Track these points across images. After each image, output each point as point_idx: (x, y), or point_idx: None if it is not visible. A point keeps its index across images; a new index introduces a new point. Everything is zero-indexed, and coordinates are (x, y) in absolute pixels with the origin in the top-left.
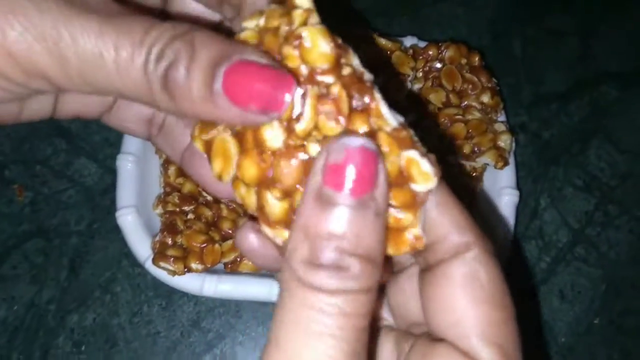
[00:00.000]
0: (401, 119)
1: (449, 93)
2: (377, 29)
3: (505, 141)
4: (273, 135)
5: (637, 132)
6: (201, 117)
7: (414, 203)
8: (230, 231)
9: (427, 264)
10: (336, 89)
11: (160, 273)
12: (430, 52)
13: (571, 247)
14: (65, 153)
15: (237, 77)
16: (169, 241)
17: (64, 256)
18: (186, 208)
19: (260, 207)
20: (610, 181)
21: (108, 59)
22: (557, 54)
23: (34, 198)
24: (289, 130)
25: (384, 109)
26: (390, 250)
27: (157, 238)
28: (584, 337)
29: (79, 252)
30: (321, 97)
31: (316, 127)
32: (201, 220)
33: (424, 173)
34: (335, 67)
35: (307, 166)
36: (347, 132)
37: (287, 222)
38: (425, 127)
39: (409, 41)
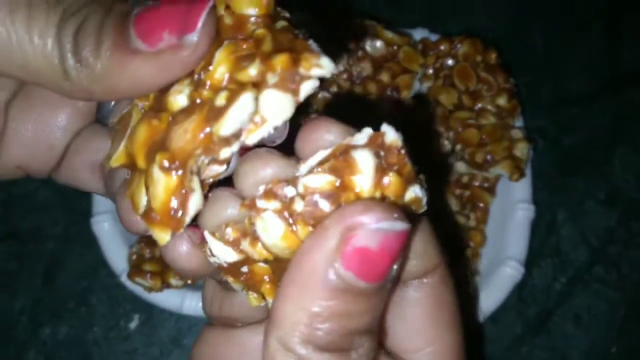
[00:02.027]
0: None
1: (461, 94)
2: (385, 19)
3: (522, 150)
4: (177, 90)
5: None
6: (114, 81)
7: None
8: None
9: None
10: (260, 31)
11: (139, 288)
12: (442, 47)
13: (589, 266)
14: None
15: (148, 16)
16: (147, 253)
17: (39, 263)
18: None
19: (148, 198)
20: (635, 194)
21: (20, 24)
22: (583, 50)
23: (6, 198)
24: (197, 83)
25: (324, 61)
26: None
27: (134, 249)
28: None
29: (54, 258)
30: (240, 42)
31: (231, 79)
32: None
33: (415, 199)
34: (267, 16)
35: (208, 119)
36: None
37: (167, 215)
38: (433, 131)
39: (419, 33)
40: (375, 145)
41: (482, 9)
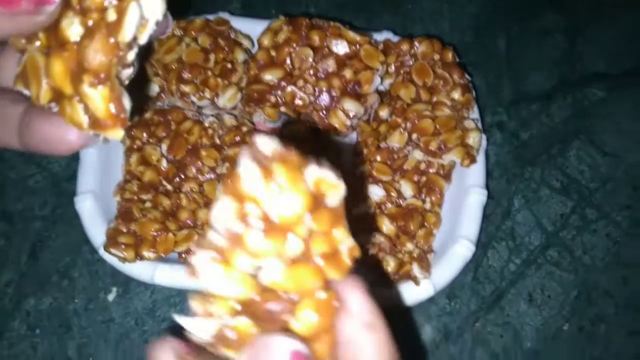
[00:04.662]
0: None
1: (419, 89)
2: (357, 24)
3: (473, 139)
4: (68, 23)
5: (621, 135)
6: None
7: (337, 217)
8: (188, 221)
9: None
10: None
11: (114, 260)
12: (403, 47)
13: (543, 250)
14: None
15: None
16: (123, 228)
17: (26, 240)
18: (144, 196)
19: (90, 112)
20: (590, 184)
21: None
22: (542, 53)
23: (2, 182)
24: (83, 11)
25: None
26: (336, 275)
27: (112, 224)
28: (551, 343)
29: (41, 236)
30: None
31: None
32: (158, 209)
33: (331, 184)
34: None
35: (109, 34)
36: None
37: (113, 118)
38: (392, 124)
39: (383, 36)
40: (255, 154)
41: (448, 15)
